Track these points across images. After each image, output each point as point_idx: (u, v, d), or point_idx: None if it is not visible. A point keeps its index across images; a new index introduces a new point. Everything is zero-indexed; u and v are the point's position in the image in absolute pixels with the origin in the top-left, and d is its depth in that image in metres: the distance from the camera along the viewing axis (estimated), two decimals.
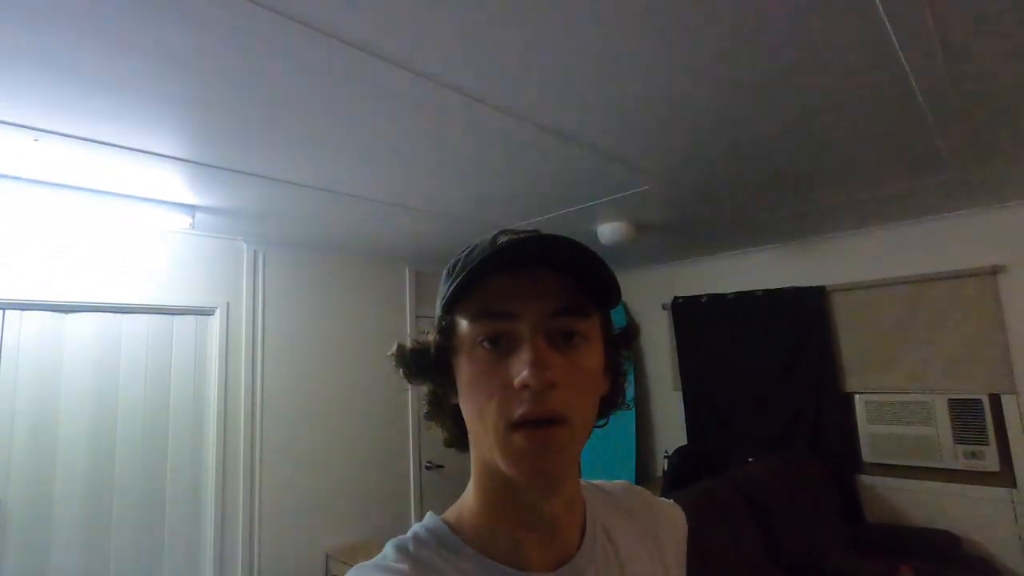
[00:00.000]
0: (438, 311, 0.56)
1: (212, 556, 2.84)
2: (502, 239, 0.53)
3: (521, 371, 0.46)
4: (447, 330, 0.53)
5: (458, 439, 0.58)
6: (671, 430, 4.23)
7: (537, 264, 0.50)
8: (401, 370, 0.57)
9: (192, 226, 2.59)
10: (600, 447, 4.30)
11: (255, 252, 3.21)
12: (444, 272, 0.58)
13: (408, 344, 0.57)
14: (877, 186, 2.59)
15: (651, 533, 0.63)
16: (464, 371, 0.52)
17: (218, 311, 3.03)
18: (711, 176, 2.36)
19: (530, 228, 0.55)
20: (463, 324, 0.52)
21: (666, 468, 3.73)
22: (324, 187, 2.29)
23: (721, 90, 1.61)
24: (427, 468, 3.88)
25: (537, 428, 0.46)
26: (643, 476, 4.27)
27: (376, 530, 3.47)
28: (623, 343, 0.58)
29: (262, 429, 3.11)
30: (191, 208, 2.48)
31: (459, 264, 0.55)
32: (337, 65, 1.37)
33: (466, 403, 0.52)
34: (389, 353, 0.57)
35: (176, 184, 2.20)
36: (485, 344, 0.50)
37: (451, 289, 0.50)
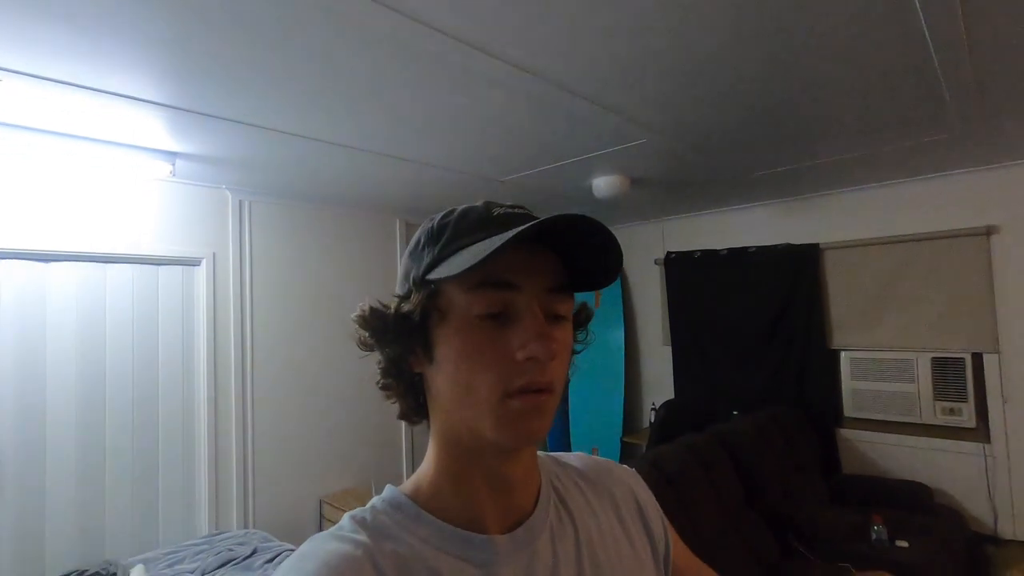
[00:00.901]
0: (419, 274, 0.53)
1: (207, 503, 2.91)
2: (497, 210, 0.53)
3: (527, 343, 0.48)
4: (433, 296, 0.52)
5: (415, 411, 0.59)
6: (660, 383, 4.30)
7: (557, 242, 0.51)
8: (368, 333, 0.54)
9: (173, 174, 2.50)
10: (589, 399, 4.38)
11: (240, 201, 3.13)
12: (422, 234, 0.55)
13: (392, 308, 0.53)
14: (877, 143, 2.54)
15: (606, 493, 0.65)
16: (454, 341, 0.50)
17: (204, 262, 2.98)
18: (709, 130, 2.29)
19: (520, 201, 0.55)
20: (456, 293, 0.50)
21: (653, 420, 3.83)
22: (311, 136, 2.21)
23: (722, 43, 1.54)
24: None
25: (533, 394, 0.49)
26: (630, 428, 4.38)
27: (368, 476, 3.56)
28: (581, 324, 0.61)
29: (253, 379, 3.12)
30: (171, 155, 2.39)
31: (449, 229, 0.53)
32: (325, 8, 1.29)
33: (451, 374, 0.51)
34: (356, 315, 0.54)
35: (155, 129, 2.10)
36: (484, 316, 0.49)
37: (477, 262, 0.46)
